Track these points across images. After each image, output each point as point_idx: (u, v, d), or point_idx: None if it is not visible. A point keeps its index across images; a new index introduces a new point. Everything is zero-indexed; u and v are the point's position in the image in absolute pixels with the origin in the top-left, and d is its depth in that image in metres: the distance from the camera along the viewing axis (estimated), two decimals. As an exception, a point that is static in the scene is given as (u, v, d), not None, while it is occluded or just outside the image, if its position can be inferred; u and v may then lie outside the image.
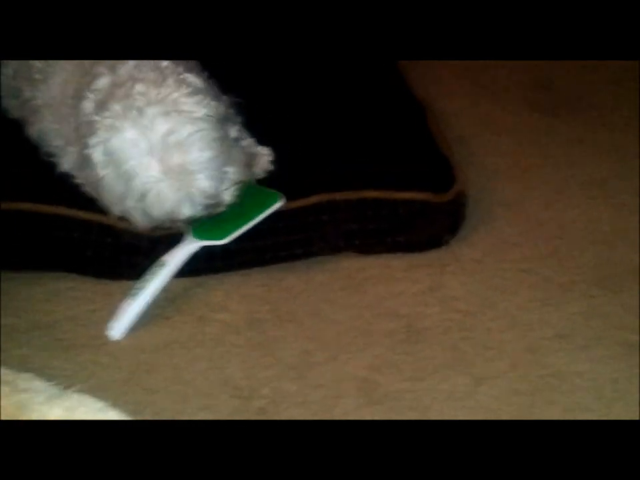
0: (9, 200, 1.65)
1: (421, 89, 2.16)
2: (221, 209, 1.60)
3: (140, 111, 1.49)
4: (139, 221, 1.58)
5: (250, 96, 1.73)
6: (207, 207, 1.57)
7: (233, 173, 1.59)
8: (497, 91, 2.44)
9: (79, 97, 1.63)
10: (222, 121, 1.59)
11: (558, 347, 1.54)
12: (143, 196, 1.51)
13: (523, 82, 2.49)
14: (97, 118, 1.52)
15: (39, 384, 1.07)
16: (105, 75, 1.59)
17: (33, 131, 1.79)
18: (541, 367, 1.49)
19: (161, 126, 1.48)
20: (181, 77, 1.56)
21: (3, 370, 1.08)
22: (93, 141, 1.52)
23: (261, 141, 1.81)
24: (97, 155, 1.52)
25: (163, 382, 1.45)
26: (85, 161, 1.57)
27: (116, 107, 1.51)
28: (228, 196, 1.59)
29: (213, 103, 1.56)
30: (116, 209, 1.59)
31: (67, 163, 1.70)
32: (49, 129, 1.74)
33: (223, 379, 1.46)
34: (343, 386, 1.45)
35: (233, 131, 1.68)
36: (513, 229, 1.86)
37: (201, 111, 1.52)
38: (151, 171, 1.49)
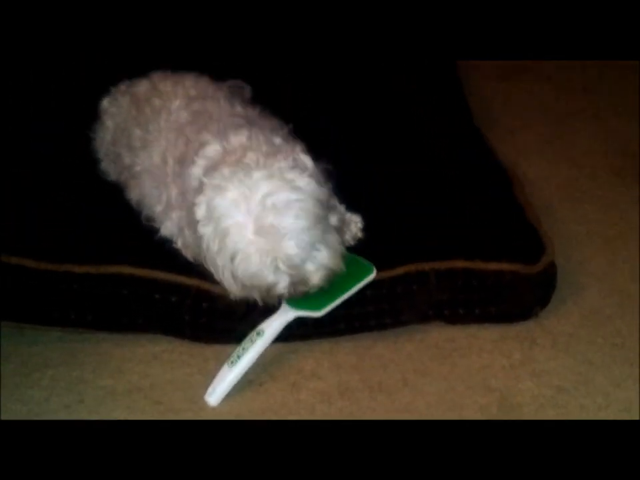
0: (109, 263, 1.71)
1: (501, 156, 2.16)
2: (307, 289, 1.58)
3: (246, 173, 1.53)
4: (230, 285, 1.59)
5: (341, 163, 1.75)
6: (293, 284, 1.55)
7: (325, 257, 1.57)
8: (579, 158, 2.42)
9: (183, 163, 1.69)
10: (324, 205, 1.60)
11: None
12: (233, 256, 1.53)
13: (605, 149, 2.46)
14: (205, 180, 1.57)
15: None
16: (214, 142, 1.65)
17: (133, 195, 1.87)
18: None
19: (262, 188, 1.51)
20: (294, 155, 1.60)
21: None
22: (199, 199, 1.56)
23: (350, 207, 1.84)
24: (200, 212, 1.56)
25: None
26: (190, 222, 1.61)
27: (225, 170, 1.55)
28: (316, 279, 1.57)
29: (318, 184, 1.58)
30: (214, 270, 1.60)
31: (166, 228, 1.76)
32: (149, 194, 1.81)
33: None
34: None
35: (334, 220, 1.67)
36: (603, 301, 1.84)
37: (303, 181, 1.55)
38: (245, 232, 1.51)
